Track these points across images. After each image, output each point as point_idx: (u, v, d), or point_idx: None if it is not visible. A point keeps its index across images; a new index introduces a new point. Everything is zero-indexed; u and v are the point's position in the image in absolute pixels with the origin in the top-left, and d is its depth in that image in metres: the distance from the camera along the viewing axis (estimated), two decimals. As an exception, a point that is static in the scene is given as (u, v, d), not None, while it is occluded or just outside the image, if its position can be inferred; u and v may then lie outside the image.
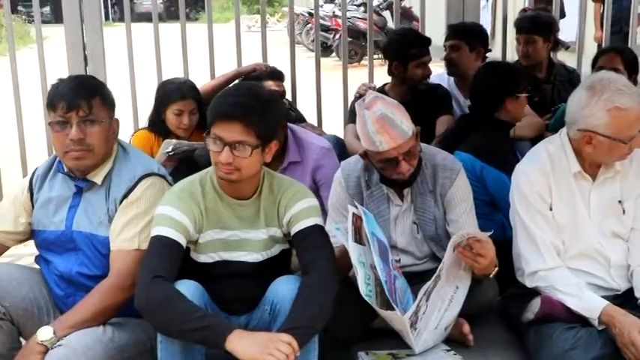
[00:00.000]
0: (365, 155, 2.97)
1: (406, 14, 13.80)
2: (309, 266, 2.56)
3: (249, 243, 2.67)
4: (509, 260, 2.97)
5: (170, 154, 3.57)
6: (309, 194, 2.71)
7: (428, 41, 4.24)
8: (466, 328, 2.94)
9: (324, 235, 2.66)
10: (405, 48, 4.16)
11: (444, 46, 4.42)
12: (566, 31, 6.39)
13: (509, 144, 3.72)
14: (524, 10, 4.83)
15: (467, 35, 4.35)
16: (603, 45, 5.15)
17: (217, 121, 2.50)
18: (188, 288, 2.48)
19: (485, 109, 3.61)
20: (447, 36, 4.43)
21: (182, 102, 3.80)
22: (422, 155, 2.99)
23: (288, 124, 3.58)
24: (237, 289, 2.66)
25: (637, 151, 2.95)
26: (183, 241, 2.56)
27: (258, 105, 2.49)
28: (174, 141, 3.62)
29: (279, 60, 4.82)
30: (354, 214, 2.75)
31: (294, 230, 2.64)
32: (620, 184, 2.92)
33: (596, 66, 4.18)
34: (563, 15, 6.79)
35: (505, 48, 5.08)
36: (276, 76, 4.16)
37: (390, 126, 2.78)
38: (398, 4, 5.21)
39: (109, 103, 2.72)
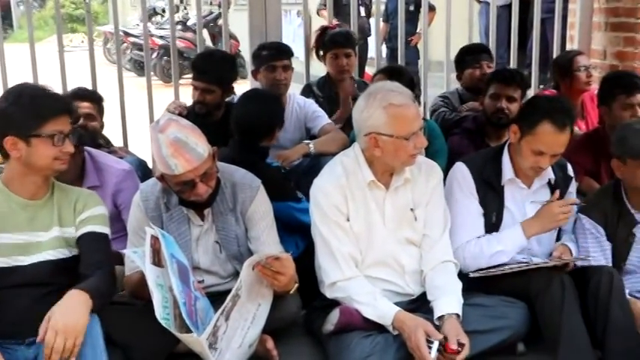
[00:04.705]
0: (162, 178, 2.92)
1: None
2: (89, 269, 2.66)
3: (42, 244, 2.68)
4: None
5: None
6: (104, 205, 2.88)
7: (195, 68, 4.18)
8: (270, 343, 2.95)
9: (109, 247, 2.81)
10: None
11: None
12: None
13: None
14: (327, 27, 4.93)
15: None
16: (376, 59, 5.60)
17: (52, 118, 2.60)
18: None
19: (256, 140, 3.58)
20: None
21: None
22: (220, 175, 2.99)
23: (86, 148, 3.47)
24: (26, 311, 2.59)
25: (424, 161, 3.13)
26: None
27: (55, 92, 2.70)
28: None
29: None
30: (152, 235, 2.71)
31: (86, 229, 2.73)
32: (412, 192, 3.07)
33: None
34: None
35: (308, 66, 5.20)
36: (84, 97, 4.04)
37: (184, 149, 2.76)
38: (205, 22, 5.20)
39: None
